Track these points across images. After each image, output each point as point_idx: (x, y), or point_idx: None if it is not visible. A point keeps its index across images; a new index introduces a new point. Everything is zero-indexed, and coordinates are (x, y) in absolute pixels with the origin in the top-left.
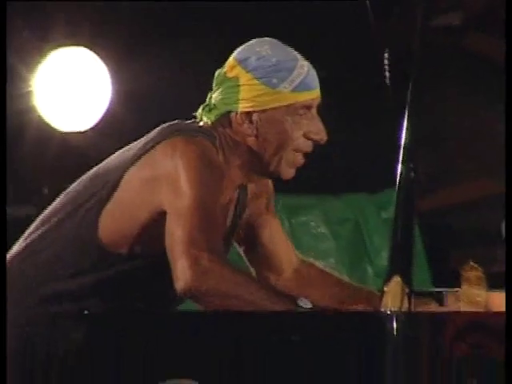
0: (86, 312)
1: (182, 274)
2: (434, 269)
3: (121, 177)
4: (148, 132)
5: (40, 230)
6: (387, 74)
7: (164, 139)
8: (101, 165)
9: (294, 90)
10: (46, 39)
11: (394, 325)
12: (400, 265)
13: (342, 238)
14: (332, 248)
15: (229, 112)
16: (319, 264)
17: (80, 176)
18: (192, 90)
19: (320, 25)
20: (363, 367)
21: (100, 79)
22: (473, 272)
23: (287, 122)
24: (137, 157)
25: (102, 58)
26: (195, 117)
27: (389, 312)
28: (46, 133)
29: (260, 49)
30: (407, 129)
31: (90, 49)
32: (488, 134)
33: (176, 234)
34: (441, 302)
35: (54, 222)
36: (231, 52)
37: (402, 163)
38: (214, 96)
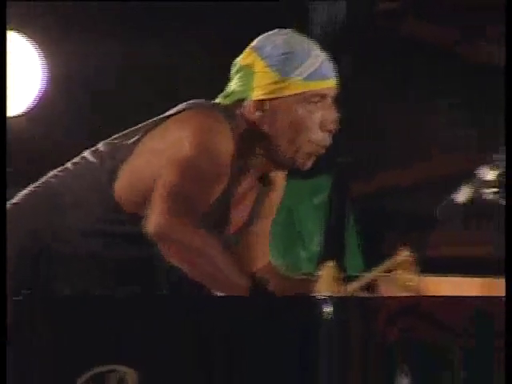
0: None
1: (156, 216)
2: (367, 253)
3: (136, 145)
4: (80, 118)
5: (59, 176)
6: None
7: (179, 112)
8: (120, 133)
9: (307, 79)
10: None
11: (328, 309)
12: (333, 250)
13: (275, 224)
14: None
15: (243, 99)
16: (279, 268)
17: (12, 161)
18: (127, 74)
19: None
20: (297, 351)
21: (31, 64)
22: (405, 257)
23: (300, 110)
24: (151, 127)
25: (33, 42)
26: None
27: (322, 296)
28: None
29: (276, 38)
30: (341, 115)
31: (21, 33)
32: (423, 120)
33: (162, 184)
34: (373, 287)
35: (75, 171)
36: (171, 36)
37: (337, 150)
38: (231, 84)
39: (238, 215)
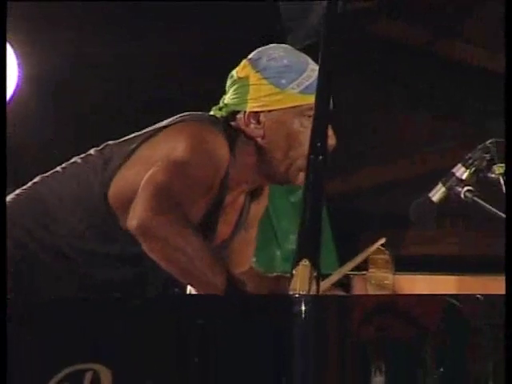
0: None
1: (140, 211)
2: (342, 252)
3: (130, 154)
4: (58, 118)
5: (47, 183)
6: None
7: (174, 124)
8: (114, 141)
9: (303, 92)
10: None
11: (303, 308)
12: (308, 248)
13: None
14: None
15: (238, 112)
16: (260, 272)
17: None
18: (103, 74)
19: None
20: (272, 350)
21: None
22: (380, 255)
23: (295, 124)
24: (146, 137)
25: (8, 41)
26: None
27: (297, 295)
28: None
29: (273, 51)
30: (316, 113)
31: None
32: (398, 120)
33: (149, 181)
34: (348, 286)
35: (65, 178)
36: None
37: (310, 148)
38: (226, 97)
39: (224, 226)
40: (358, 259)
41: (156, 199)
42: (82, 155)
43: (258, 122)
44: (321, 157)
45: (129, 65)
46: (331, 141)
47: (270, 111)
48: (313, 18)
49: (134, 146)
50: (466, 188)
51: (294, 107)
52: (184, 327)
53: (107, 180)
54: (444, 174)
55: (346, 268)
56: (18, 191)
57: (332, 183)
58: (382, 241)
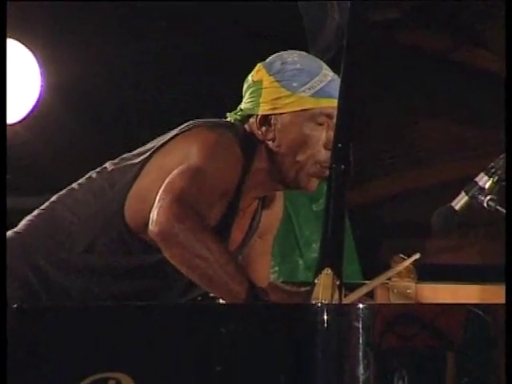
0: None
1: (158, 216)
2: (365, 261)
3: (144, 163)
4: (82, 126)
5: (64, 201)
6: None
7: (187, 130)
8: (128, 153)
9: (314, 96)
10: None
11: (325, 317)
12: (330, 257)
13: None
14: None
15: (252, 115)
16: (281, 285)
17: (7, 170)
18: (124, 83)
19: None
20: (295, 359)
21: (28, 71)
22: (402, 266)
23: (305, 127)
24: (160, 145)
25: (30, 49)
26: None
27: (319, 304)
28: None
29: (287, 56)
30: (338, 123)
31: (19, 41)
32: (420, 128)
33: (169, 188)
34: (371, 294)
35: (82, 195)
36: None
37: (333, 157)
38: (243, 101)
39: (237, 232)
40: (389, 273)
41: (176, 206)
42: (98, 169)
43: (269, 125)
44: (343, 166)
45: (153, 73)
46: None
47: (281, 114)
48: (329, 31)
49: (147, 155)
50: (488, 197)
51: (305, 110)
52: (206, 336)
53: (123, 192)
54: (466, 182)
55: (376, 282)
56: (35, 212)
57: (354, 192)
58: (417, 256)
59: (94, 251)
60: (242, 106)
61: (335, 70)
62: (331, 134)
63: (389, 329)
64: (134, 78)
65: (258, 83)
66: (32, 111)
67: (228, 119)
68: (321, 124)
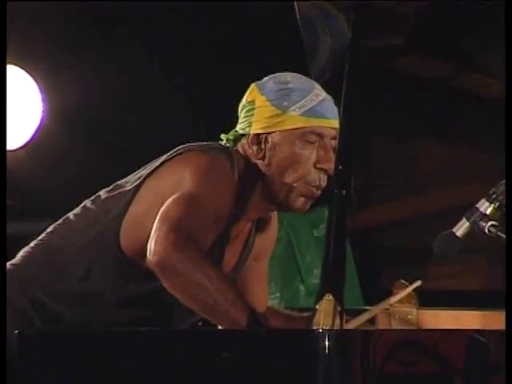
0: None
1: (156, 246)
2: (366, 287)
3: (137, 189)
4: (82, 152)
5: (60, 232)
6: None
7: (179, 154)
8: (121, 180)
9: (304, 115)
10: None
11: (326, 343)
12: (332, 283)
13: (274, 257)
14: None
15: (245, 135)
16: (281, 310)
17: (9, 195)
18: (125, 106)
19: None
20: None
21: (30, 97)
22: (404, 293)
23: (295, 146)
24: (152, 170)
25: (32, 76)
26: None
27: (321, 330)
28: None
29: (280, 76)
30: (339, 149)
31: (21, 67)
32: (421, 154)
33: (165, 217)
34: (372, 320)
35: (77, 224)
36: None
37: (334, 182)
38: (239, 122)
39: (230, 256)
40: (391, 300)
41: (174, 235)
42: (92, 197)
43: (260, 145)
44: (344, 192)
45: (156, 98)
46: (330, 164)
47: (271, 133)
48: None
49: (139, 181)
50: (490, 223)
51: (295, 130)
52: (208, 361)
53: (118, 220)
54: (467, 208)
55: (377, 308)
56: (32, 243)
57: (355, 218)
58: (418, 283)
59: (90, 279)
60: (237, 126)
61: (333, 92)
62: (322, 153)
63: (390, 355)
64: (136, 104)
65: (251, 103)
66: (33, 137)
67: (223, 140)
68: (311, 142)
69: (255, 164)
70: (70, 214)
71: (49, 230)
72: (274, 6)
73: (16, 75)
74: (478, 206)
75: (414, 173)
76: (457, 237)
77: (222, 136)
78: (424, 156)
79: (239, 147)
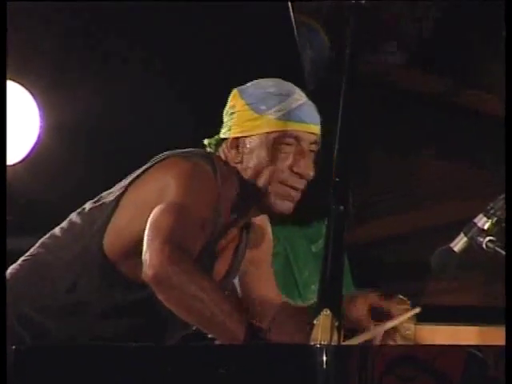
0: None
1: (151, 259)
2: None
3: (120, 198)
4: (81, 167)
5: (47, 246)
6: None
7: (160, 161)
8: (105, 192)
9: (281, 118)
10: None
11: (324, 358)
12: (329, 298)
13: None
14: None
15: (225, 139)
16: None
17: (8, 209)
18: (123, 120)
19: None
20: None
21: (27, 112)
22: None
23: (272, 149)
24: (134, 178)
25: (28, 90)
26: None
27: (318, 345)
28: None
29: (262, 81)
30: (337, 163)
31: (19, 83)
32: (419, 169)
33: (156, 229)
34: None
35: (63, 238)
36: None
37: (332, 197)
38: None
39: (220, 263)
40: (390, 324)
41: (168, 248)
42: (78, 210)
43: (238, 148)
44: (342, 207)
45: (155, 112)
46: (310, 171)
47: (248, 137)
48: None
49: (122, 191)
50: (487, 238)
51: (271, 133)
52: (205, 376)
53: (101, 229)
54: (465, 223)
55: (375, 331)
56: (20, 260)
57: (353, 233)
58: (417, 310)
59: (76, 291)
60: (221, 131)
61: (328, 104)
62: (298, 157)
63: (388, 370)
64: (135, 119)
65: (232, 107)
66: (32, 152)
67: (206, 144)
68: (288, 144)
69: (234, 168)
70: (57, 229)
71: (37, 244)
72: (274, 6)
73: (14, 91)
74: (475, 221)
75: (413, 188)
76: (454, 252)
77: (205, 141)
78: (423, 171)
79: (220, 152)
